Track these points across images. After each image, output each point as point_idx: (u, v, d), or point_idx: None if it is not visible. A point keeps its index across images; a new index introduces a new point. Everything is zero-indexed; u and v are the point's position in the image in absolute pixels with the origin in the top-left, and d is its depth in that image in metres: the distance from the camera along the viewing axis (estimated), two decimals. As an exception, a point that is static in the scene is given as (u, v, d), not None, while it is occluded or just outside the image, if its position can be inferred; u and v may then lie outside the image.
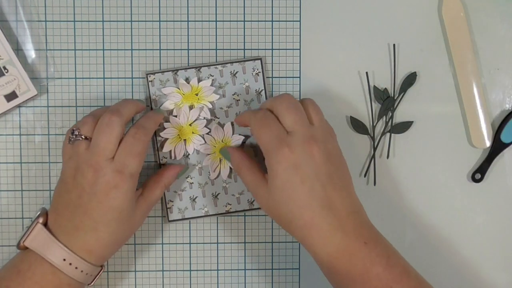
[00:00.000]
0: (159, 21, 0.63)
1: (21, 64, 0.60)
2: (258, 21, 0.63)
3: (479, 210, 0.65)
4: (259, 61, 0.62)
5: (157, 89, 0.62)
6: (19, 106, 0.61)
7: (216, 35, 0.63)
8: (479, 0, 0.64)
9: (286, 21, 0.63)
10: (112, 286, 0.64)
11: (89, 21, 0.62)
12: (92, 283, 0.57)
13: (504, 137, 0.63)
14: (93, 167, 0.53)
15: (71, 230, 0.54)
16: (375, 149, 0.64)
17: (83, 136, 0.55)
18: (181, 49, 0.63)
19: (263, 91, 0.63)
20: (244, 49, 0.63)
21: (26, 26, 0.62)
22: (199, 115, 0.62)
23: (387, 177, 0.64)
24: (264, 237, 0.64)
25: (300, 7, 0.63)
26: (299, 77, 0.63)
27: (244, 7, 0.63)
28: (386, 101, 0.63)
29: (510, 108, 0.64)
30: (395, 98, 0.64)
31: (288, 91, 0.63)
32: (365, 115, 0.64)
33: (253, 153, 0.62)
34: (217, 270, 0.64)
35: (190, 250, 0.64)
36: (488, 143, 0.64)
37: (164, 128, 0.62)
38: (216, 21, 0.63)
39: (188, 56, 0.63)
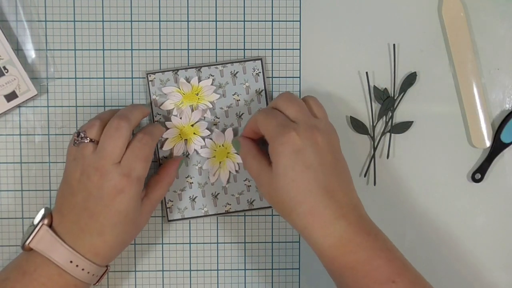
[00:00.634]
0: (159, 21, 0.63)
1: (21, 64, 0.60)
2: (258, 21, 0.63)
3: (479, 210, 0.65)
4: (260, 61, 0.62)
5: (158, 89, 0.62)
6: (19, 106, 0.61)
7: (216, 35, 0.63)
8: (479, 0, 0.64)
9: (286, 21, 0.63)
10: (112, 286, 0.64)
11: (89, 21, 0.62)
12: (97, 283, 0.57)
13: (504, 137, 0.63)
14: (99, 170, 0.54)
15: (77, 232, 0.54)
16: (375, 149, 0.64)
17: (89, 139, 0.55)
18: (181, 49, 0.63)
19: (263, 91, 0.63)
20: (244, 49, 0.63)
21: (26, 26, 0.62)
22: (200, 117, 0.62)
23: (387, 177, 0.64)
24: (264, 237, 0.64)
25: (300, 7, 0.63)
26: (299, 77, 0.63)
27: (244, 7, 0.63)
28: (386, 101, 0.63)
29: (510, 108, 0.64)
30: (395, 98, 0.64)
31: (288, 91, 0.63)
32: (365, 115, 0.64)
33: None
34: (217, 270, 0.64)
35: (190, 250, 0.64)
36: (488, 143, 0.64)
37: (167, 128, 0.62)
38: (216, 21, 0.63)
39: (188, 56, 0.63)
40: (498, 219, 0.65)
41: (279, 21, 0.63)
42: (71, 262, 0.54)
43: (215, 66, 0.62)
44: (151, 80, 0.62)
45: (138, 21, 0.62)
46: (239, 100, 0.63)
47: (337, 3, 0.63)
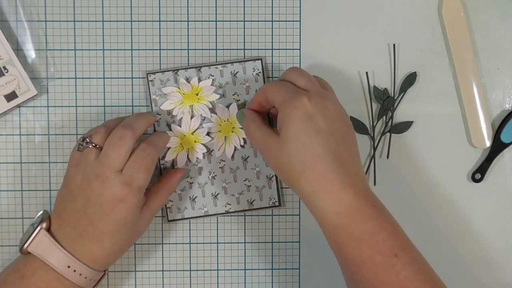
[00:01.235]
0: (159, 21, 0.63)
1: (21, 64, 0.60)
2: (258, 21, 0.63)
3: (479, 210, 0.65)
4: (260, 61, 0.62)
5: (157, 89, 0.62)
6: (19, 106, 0.61)
7: (216, 35, 0.63)
8: (479, 0, 0.64)
9: (286, 21, 0.63)
10: (112, 286, 0.64)
11: (89, 21, 0.62)
12: (95, 287, 0.57)
13: (504, 137, 0.64)
14: (100, 177, 0.53)
15: (76, 238, 0.54)
16: (375, 149, 0.64)
17: (93, 144, 0.55)
18: (181, 49, 0.63)
19: (263, 91, 0.63)
20: (244, 49, 0.63)
21: (26, 26, 0.62)
22: (200, 124, 0.62)
23: (387, 177, 0.64)
24: (264, 237, 0.64)
25: (300, 7, 0.63)
26: (299, 77, 0.63)
27: (244, 7, 0.63)
28: (386, 101, 0.63)
29: (510, 108, 0.65)
30: (395, 98, 0.64)
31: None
32: (365, 115, 0.64)
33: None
34: (217, 270, 0.64)
35: (190, 250, 0.64)
36: (488, 143, 0.64)
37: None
38: (216, 21, 0.63)
39: (188, 56, 0.63)
40: (498, 219, 0.65)
41: (279, 21, 0.63)
42: (68, 267, 0.54)
43: (215, 66, 0.62)
44: (151, 80, 0.62)
45: (138, 21, 0.62)
46: (239, 100, 0.63)
47: (337, 3, 0.63)
